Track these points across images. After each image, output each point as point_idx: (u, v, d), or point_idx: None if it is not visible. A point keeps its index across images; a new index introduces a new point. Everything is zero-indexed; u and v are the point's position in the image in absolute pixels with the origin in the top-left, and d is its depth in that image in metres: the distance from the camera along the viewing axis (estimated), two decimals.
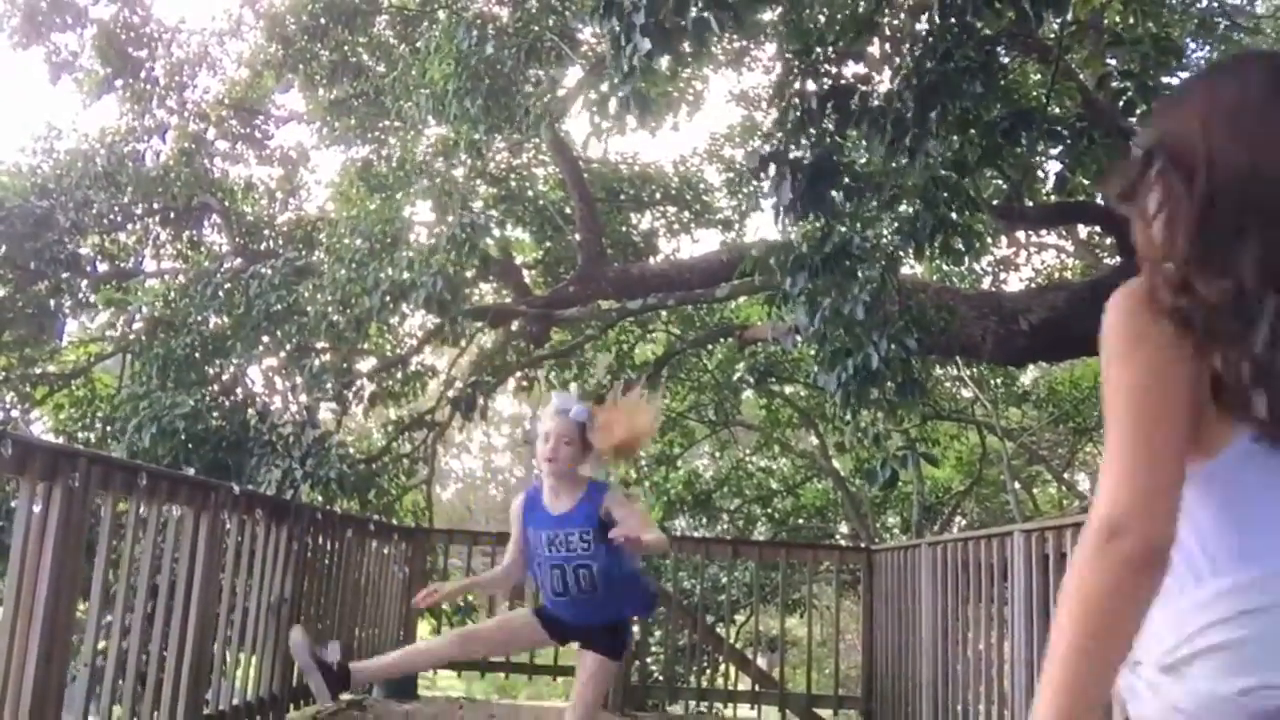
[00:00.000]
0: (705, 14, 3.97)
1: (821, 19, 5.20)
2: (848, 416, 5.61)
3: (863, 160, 5.81)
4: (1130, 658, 1.12)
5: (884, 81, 4.88)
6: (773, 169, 4.76)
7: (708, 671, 9.51)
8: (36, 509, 3.05)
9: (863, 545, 8.81)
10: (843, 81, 4.85)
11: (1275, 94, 1.13)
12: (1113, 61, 4.99)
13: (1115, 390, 1.10)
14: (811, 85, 4.86)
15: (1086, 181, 5.50)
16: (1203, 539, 1.11)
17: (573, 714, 3.39)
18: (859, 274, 4.84)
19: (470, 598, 9.17)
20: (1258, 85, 1.15)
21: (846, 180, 4.91)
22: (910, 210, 5.09)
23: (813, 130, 4.82)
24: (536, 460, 3.43)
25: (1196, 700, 1.06)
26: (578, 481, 3.36)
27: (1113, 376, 1.11)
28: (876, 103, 4.63)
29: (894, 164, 4.79)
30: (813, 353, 5.39)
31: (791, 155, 4.81)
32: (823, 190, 4.75)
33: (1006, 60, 5.55)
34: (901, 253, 5.21)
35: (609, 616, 3.39)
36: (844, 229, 4.93)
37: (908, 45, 4.76)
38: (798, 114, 4.82)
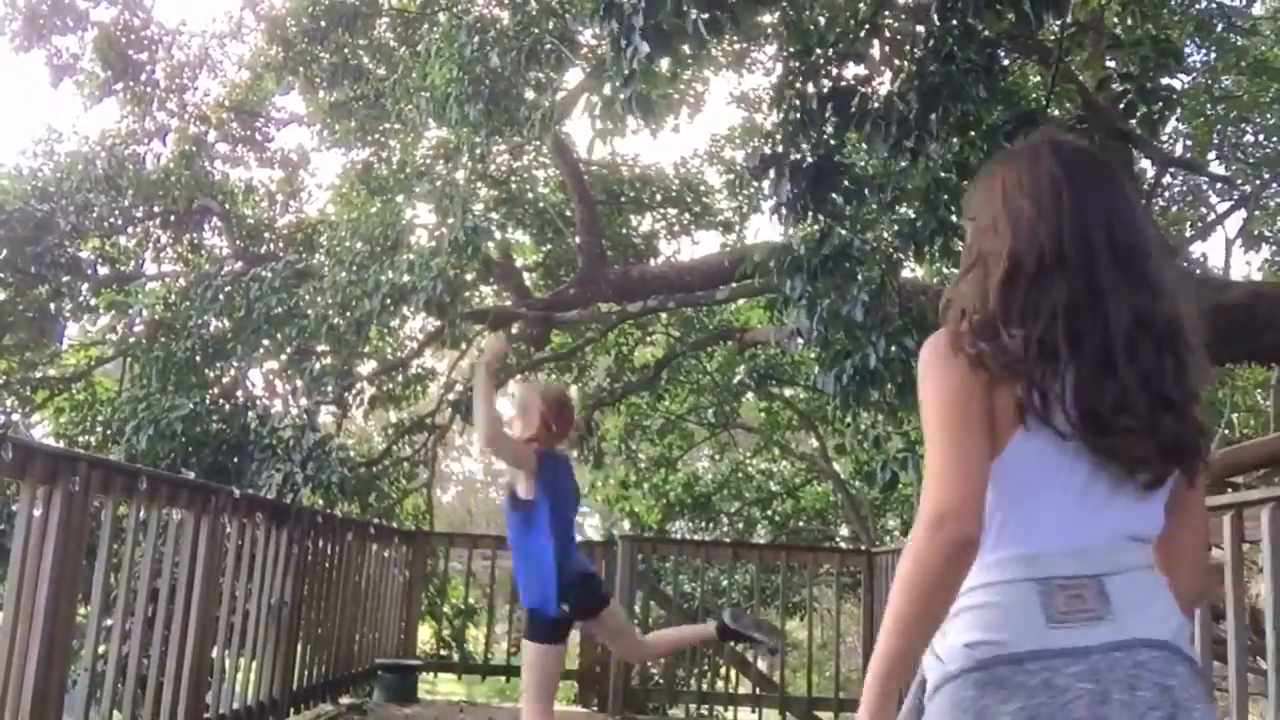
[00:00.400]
0: (703, 15, 3.96)
1: (821, 21, 5.18)
2: (848, 419, 5.60)
3: (863, 163, 5.81)
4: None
5: (884, 83, 4.87)
6: (773, 171, 4.76)
7: (708, 674, 9.50)
8: (37, 513, 3.05)
9: (863, 548, 8.80)
10: (843, 83, 4.83)
11: (1064, 178, 1.41)
12: (1112, 64, 4.98)
13: (929, 414, 1.37)
14: (812, 87, 4.85)
15: None
16: (988, 523, 1.34)
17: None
18: (858, 276, 4.83)
19: (471, 600, 9.18)
20: (1048, 171, 1.42)
21: (847, 182, 4.90)
22: (910, 212, 5.09)
23: (813, 132, 4.82)
24: None
25: (945, 650, 1.34)
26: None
27: (926, 404, 1.38)
28: (877, 105, 4.62)
29: (895, 166, 4.79)
30: (814, 356, 5.39)
31: (792, 157, 4.80)
32: (823, 192, 4.74)
33: (1006, 62, 5.53)
34: (901, 255, 5.20)
35: (524, 595, 3.75)
36: (843, 231, 4.92)
37: (908, 47, 4.75)
38: (798, 116, 4.81)
